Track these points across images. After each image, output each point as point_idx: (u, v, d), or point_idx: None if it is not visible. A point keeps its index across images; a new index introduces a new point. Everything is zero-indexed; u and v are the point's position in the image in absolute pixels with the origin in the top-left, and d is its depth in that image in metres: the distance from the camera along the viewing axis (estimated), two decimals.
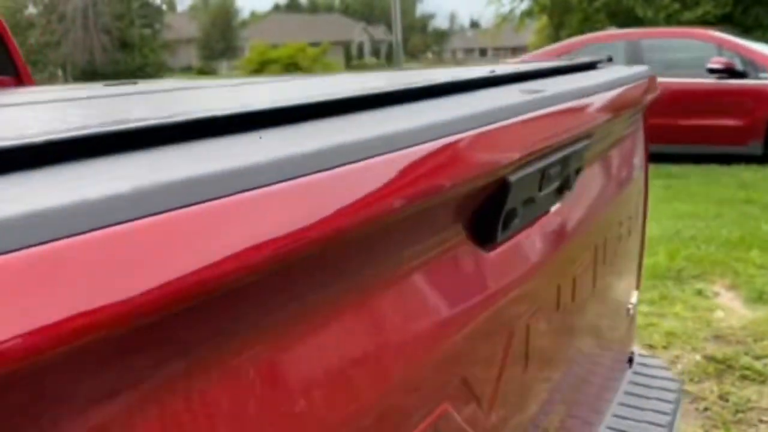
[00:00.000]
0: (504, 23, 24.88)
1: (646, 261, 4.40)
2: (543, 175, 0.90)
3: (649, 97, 1.52)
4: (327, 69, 19.32)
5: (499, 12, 24.59)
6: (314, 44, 20.78)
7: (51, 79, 40.54)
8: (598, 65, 1.63)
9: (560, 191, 1.01)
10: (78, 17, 34.73)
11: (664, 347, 3.33)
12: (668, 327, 3.51)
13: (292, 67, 18.75)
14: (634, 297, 1.67)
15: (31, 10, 38.67)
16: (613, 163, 1.48)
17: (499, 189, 0.79)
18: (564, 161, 0.96)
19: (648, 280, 4.12)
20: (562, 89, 1.00)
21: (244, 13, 77.44)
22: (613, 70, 1.53)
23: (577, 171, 1.08)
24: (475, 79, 1.07)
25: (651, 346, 3.33)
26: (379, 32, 63.77)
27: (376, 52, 66.00)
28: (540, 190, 0.91)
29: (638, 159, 1.66)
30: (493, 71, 1.21)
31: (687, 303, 3.81)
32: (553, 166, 0.93)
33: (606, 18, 20.21)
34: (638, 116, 1.62)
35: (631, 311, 1.62)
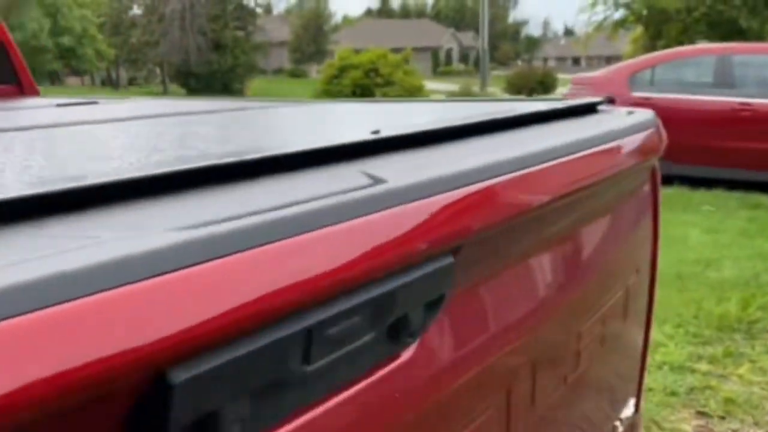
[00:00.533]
0: (597, 32, 24.00)
1: (714, 309, 3.94)
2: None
3: (652, 152, 1.19)
4: (407, 75, 19.14)
5: (591, 20, 23.70)
6: (399, 50, 20.65)
7: (149, 77, 42.45)
8: (599, 108, 1.32)
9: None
10: (176, 18, 36.11)
11: (721, 417, 2.87)
12: (729, 392, 3.04)
13: (372, 72, 18.67)
14: (627, 409, 1.30)
15: (136, 10, 40.61)
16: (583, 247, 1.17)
17: None
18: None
19: (712, 332, 3.64)
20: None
21: (337, 18, 78.63)
22: (610, 118, 1.23)
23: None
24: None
25: (705, 415, 2.88)
26: (468, 38, 63.23)
27: (464, 59, 65.49)
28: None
29: (639, 235, 1.33)
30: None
31: (756, 364, 3.31)
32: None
33: (706, 29, 19.05)
34: (643, 174, 1.28)
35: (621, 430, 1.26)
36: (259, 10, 45.33)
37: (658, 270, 1.40)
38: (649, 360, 1.45)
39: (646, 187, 1.34)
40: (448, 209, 0.68)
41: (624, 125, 1.16)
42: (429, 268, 0.65)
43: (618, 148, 1.09)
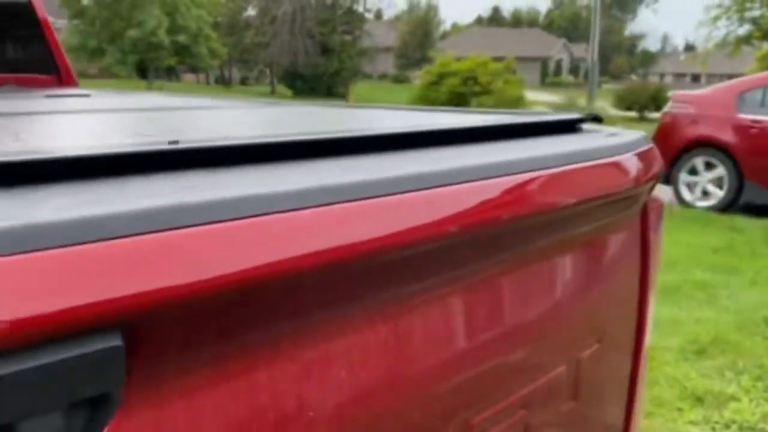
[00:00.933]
0: (719, 49, 22.58)
1: None
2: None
3: (637, 181, 0.93)
4: (507, 85, 18.64)
5: (710, 36, 22.31)
6: (502, 59, 20.19)
7: (259, 77, 43.94)
8: (581, 126, 1.07)
9: None
10: (287, 21, 37.14)
11: None
12: None
13: (470, 80, 18.32)
14: None
15: (250, 12, 42.14)
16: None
17: None
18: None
19: None
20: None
21: (446, 25, 78.60)
22: (588, 137, 0.97)
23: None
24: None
25: None
26: (580, 50, 61.40)
27: (574, 70, 63.65)
28: None
29: (612, 290, 1.03)
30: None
31: None
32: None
33: None
34: (623, 208, 1.00)
35: None
36: (369, 16, 45.96)
37: (649, 337, 1.10)
38: None
39: (630, 226, 1.04)
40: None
41: (599, 145, 0.89)
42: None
43: (578, 172, 0.82)
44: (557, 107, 24.10)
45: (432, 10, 64.77)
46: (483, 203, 0.71)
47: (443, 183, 0.67)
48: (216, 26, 33.61)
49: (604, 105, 26.59)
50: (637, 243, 1.04)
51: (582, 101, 25.15)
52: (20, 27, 2.56)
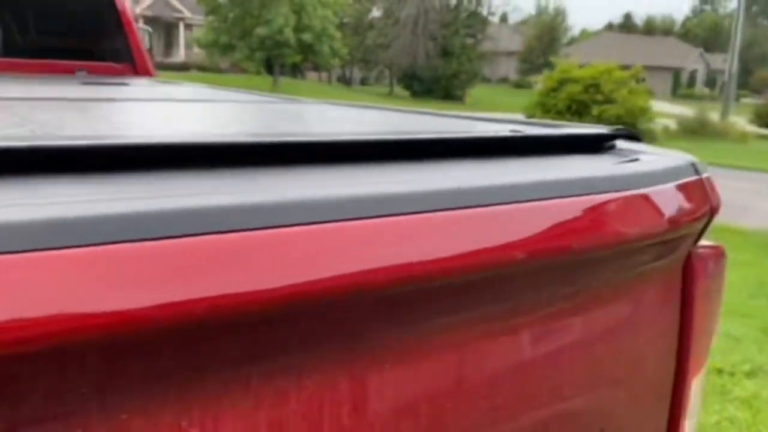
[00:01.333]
0: None
1: None
2: None
3: (681, 222, 0.69)
4: (632, 95, 17.63)
5: None
6: (630, 68, 19.16)
7: (379, 78, 44.44)
8: (610, 144, 0.84)
9: None
10: (409, 23, 37.30)
11: None
12: None
13: (592, 88, 17.47)
14: None
15: (375, 13, 42.69)
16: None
17: None
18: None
19: None
20: None
21: (574, 31, 76.22)
22: (619, 158, 0.74)
23: None
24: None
25: None
26: (718, 61, 57.49)
27: (710, 83, 59.71)
28: None
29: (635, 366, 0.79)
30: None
31: None
32: None
33: None
34: (659, 256, 0.76)
35: None
36: (493, 19, 45.33)
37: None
38: None
39: (663, 283, 0.79)
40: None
41: (623, 172, 0.67)
42: None
43: (602, 206, 0.61)
44: (686, 121, 22.57)
45: (560, 15, 62.89)
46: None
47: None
48: (342, 26, 34.30)
49: (739, 120, 24.67)
50: (673, 308, 0.79)
51: (714, 115, 23.42)
52: (98, 15, 2.58)
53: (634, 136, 0.92)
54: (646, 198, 0.70)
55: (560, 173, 0.67)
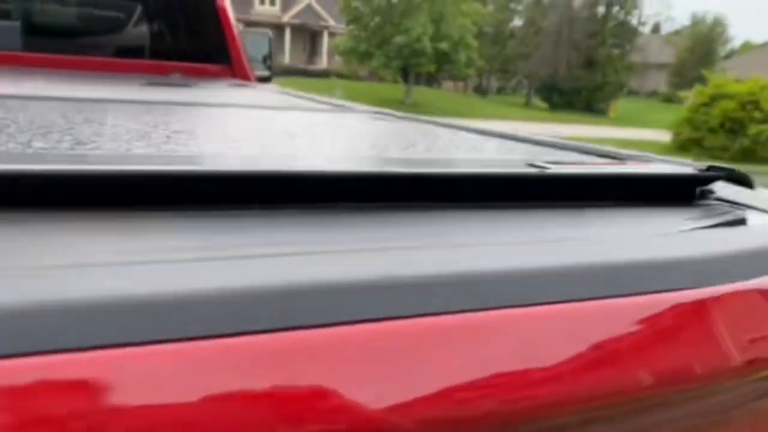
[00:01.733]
0: None
1: None
2: None
3: None
4: None
5: None
6: None
7: (516, 88, 43.54)
8: (704, 190, 0.53)
9: None
10: (552, 32, 36.20)
11: None
12: None
13: (750, 105, 15.95)
14: None
15: (516, 22, 41.91)
16: None
17: None
18: None
19: None
20: None
21: (735, 43, 70.71)
22: (718, 217, 0.52)
23: None
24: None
25: None
26: None
27: None
28: None
29: None
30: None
31: None
32: None
33: None
34: None
35: None
36: (644, 30, 43.03)
37: None
38: None
39: None
40: None
41: (721, 246, 0.42)
42: None
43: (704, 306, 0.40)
44: None
45: (719, 25, 58.58)
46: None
47: None
48: (481, 36, 33.94)
49: None
50: None
51: None
52: (196, 15, 2.52)
53: (740, 179, 0.61)
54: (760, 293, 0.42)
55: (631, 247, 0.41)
